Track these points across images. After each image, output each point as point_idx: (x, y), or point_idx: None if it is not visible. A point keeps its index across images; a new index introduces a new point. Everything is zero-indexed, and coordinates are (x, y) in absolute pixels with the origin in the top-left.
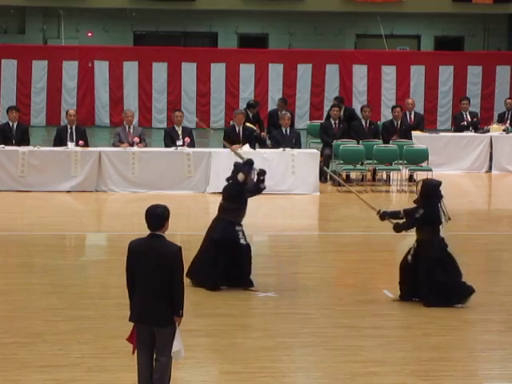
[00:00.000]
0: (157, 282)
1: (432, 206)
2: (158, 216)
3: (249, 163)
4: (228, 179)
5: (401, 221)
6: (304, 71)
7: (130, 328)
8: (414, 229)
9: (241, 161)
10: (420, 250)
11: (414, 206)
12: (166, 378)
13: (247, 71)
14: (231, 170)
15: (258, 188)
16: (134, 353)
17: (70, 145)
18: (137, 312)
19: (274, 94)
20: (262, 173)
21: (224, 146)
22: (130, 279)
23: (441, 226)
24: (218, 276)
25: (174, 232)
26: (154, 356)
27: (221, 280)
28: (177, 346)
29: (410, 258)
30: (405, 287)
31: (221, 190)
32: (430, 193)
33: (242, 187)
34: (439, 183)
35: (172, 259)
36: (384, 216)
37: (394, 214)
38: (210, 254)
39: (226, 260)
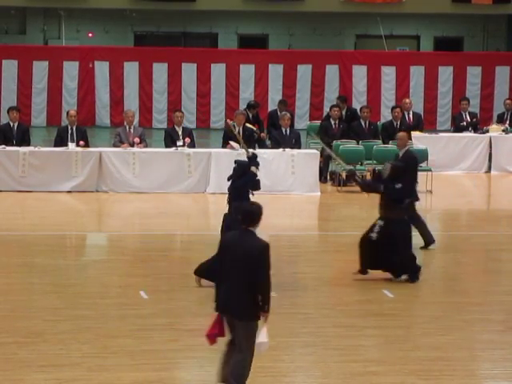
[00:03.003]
0: (242, 276)
1: (406, 186)
2: (252, 213)
3: (255, 156)
4: (230, 178)
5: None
6: (304, 72)
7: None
8: (378, 205)
9: (242, 157)
10: (391, 229)
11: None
12: (239, 375)
13: (247, 72)
14: (232, 168)
15: (258, 181)
16: (212, 344)
17: (71, 145)
18: (221, 303)
19: (274, 94)
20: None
21: (224, 145)
22: (220, 269)
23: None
24: None
25: (174, 232)
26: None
27: None
28: (262, 337)
29: (374, 235)
30: (364, 261)
31: (221, 190)
32: (400, 174)
33: (254, 183)
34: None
35: (259, 255)
36: (350, 171)
37: (359, 179)
38: None
39: None
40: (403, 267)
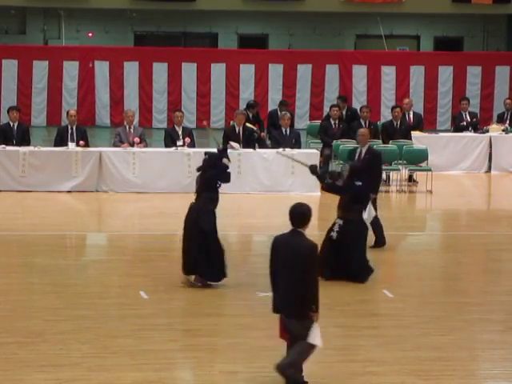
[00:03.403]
0: (292, 275)
1: (367, 186)
2: (302, 214)
3: (226, 149)
4: (199, 169)
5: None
6: (304, 71)
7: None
8: (337, 206)
9: (214, 148)
10: (350, 228)
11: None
12: (292, 367)
13: (247, 71)
14: (202, 159)
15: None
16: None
17: (71, 145)
18: (275, 303)
19: (274, 94)
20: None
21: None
22: (272, 272)
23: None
24: (219, 268)
25: (174, 232)
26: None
27: (222, 268)
28: (312, 338)
29: (334, 235)
30: (327, 266)
31: (221, 190)
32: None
33: (225, 175)
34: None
35: (307, 255)
36: (315, 170)
37: (326, 174)
38: (199, 243)
39: (217, 249)
40: (362, 271)
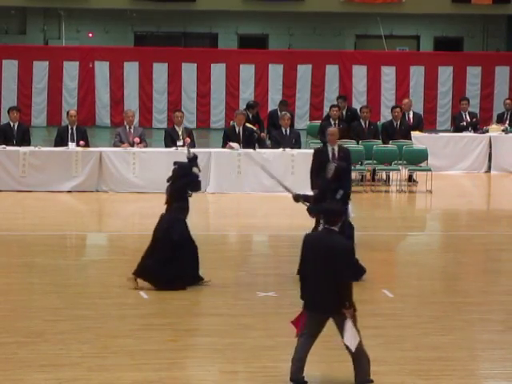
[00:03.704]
0: (326, 273)
1: (347, 186)
2: (334, 212)
3: (196, 157)
4: (169, 179)
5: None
6: (304, 72)
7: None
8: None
9: (185, 158)
10: None
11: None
12: (362, 360)
13: (247, 72)
14: (172, 169)
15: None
16: (296, 336)
17: (71, 145)
18: (308, 301)
19: (274, 94)
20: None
21: (224, 145)
22: (302, 269)
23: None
24: (176, 276)
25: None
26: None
27: (179, 279)
28: (348, 339)
29: None
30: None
31: (221, 190)
32: (344, 175)
33: (195, 184)
34: (347, 166)
35: (342, 253)
36: (297, 198)
37: (307, 197)
38: (166, 254)
39: (185, 259)
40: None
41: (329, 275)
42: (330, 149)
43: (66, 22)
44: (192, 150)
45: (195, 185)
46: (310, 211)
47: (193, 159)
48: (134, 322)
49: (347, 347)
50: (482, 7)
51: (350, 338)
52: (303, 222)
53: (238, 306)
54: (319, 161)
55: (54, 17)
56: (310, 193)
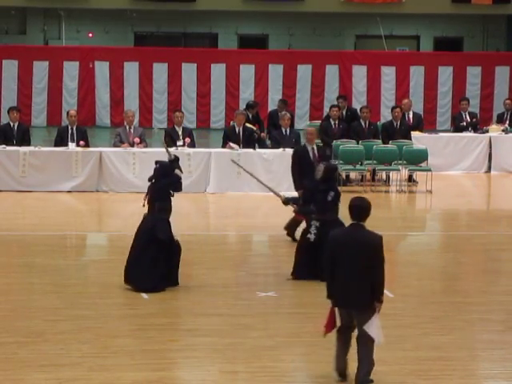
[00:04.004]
0: (358, 268)
1: (336, 187)
2: (363, 208)
3: (177, 159)
4: (151, 178)
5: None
6: (304, 72)
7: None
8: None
9: (166, 158)
10: (327, 229)
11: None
12: (368, 360)
13: (247, 72)
14: (153, 168)
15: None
16: (325, 335)
17: (71, 145)
18: (340, 298)
19: (274, 94)
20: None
21: (224, 145)
22: (330, 266)
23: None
24: (161, 277)
25: (173, 232)
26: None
27: (163, 281)
28: (374, 332)
29: (312, 237)
30: (300, 265)
31: (221, 190)
32: (333, 175)
33: (177, 185)
34: (337, 166)
35: (374, 247)
36: (286, 201)
37: (295, 199)
38: (151, 255)
39: (167, 259)
40: None
41: (362, 270)
42: (309, 148)
43: (66, 22)
44: (173, 152)
45: (177, 185)
46: (299, 213)
47: (174, 161)
48: (134, 322)
49: (361, 341)
50: (482, 7)
51: (377, 332)
52: (303, 221)
53: (237, 305)
54: (302, 161)
55: (54, 17)
56: (295, 193)
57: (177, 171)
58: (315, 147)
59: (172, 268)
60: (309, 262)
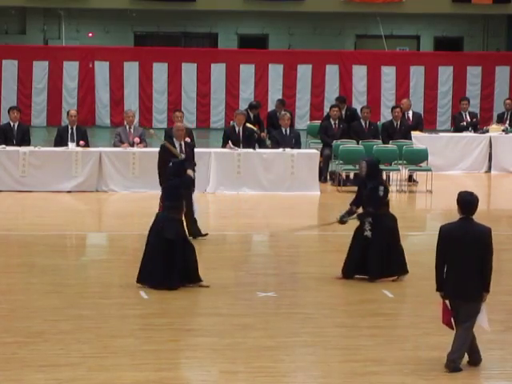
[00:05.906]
0: (471, 260)
1: (383, 181)
2: (471, 202)
3: (187, 160)
4: (167, 177)
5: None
6: (304, 72)
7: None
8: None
9: (176, 159)
10: (379, 224)
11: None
12: (465, 347)
13: (247, 72)
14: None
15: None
16: (454, 328)
17: (71, 145)
18: (452, 289)
19: (274, 94)
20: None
21: (224, 145)
22: (441, 259)
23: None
24: (176, 275)
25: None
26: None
27: (178, 279)
28: (482, 320)
29: (369, 233)
30: (350, 264)
31: (221, 190)
32: (378, 170)
33: (187, 185)
34: (379, 160)
35: (486, 238)
36: (343, 220)
37: (349, 213)
38: (164, 254)
39: (180, 259)
40: (402, 264)
41: (476, 263)
42: (177, 144)
43: (66, 22)
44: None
45: (187, 185)
46: (359, 220)
47: (185, 160)
48: (134, 322)
49: (464, 326)
50: (482, 7)
51: (485, 319)
52: (303, 221)
53: (237, 305)
54: (165, 158)
55: (53, 17)
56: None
57: (189, 171)
58: (183, 143)
59: (189, 267)
60: (359, 259)
